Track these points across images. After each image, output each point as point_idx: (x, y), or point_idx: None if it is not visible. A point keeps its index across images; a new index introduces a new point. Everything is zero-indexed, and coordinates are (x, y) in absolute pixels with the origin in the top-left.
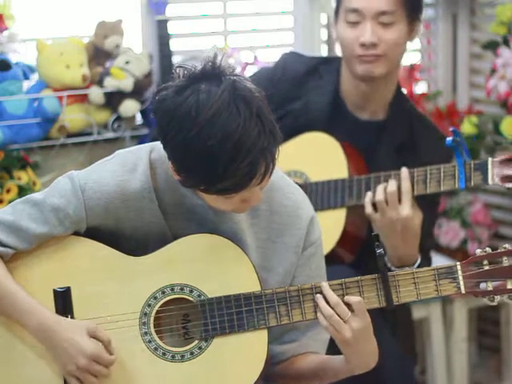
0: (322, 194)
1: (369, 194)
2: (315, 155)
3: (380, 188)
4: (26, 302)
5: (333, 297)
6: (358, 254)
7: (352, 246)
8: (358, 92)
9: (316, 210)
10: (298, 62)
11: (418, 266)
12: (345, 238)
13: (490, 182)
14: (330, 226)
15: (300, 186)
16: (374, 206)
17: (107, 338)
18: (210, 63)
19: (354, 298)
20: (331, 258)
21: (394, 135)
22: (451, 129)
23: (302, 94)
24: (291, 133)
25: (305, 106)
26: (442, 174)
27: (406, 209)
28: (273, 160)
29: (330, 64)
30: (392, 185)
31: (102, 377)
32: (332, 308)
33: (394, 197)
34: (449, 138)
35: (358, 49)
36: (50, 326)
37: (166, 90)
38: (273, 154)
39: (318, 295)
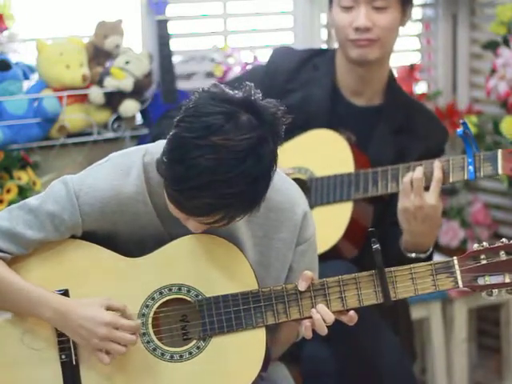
0: (327, 189)
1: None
2: (321, 152)
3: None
4: (37, 293)
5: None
6: (361, 248)
7: (357, 239)
8: (353, 77)
9: (321, 203)
10: (291, 54)
11: (430, 255)
12: (351, 231)
13: (500, 171)
14: (337, 218)
15: (304, 182)
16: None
17: (123, 305)
18: (251, 97)
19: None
20: (335, 252)
21: (391, 119)
22: (461, 121)
23: (297, 86)
24: (292, 128)
25: (304, 99)
26: (451, 166)
27: (433, 197)
28: (233, 218)
29: (325, 55)
30: (419, 171)
31: (128, 343)
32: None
33: (420, 183)
34: (459, 129)
35: (351, 33)
36: (64, 310)
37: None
38: (237, 215)
39: None
